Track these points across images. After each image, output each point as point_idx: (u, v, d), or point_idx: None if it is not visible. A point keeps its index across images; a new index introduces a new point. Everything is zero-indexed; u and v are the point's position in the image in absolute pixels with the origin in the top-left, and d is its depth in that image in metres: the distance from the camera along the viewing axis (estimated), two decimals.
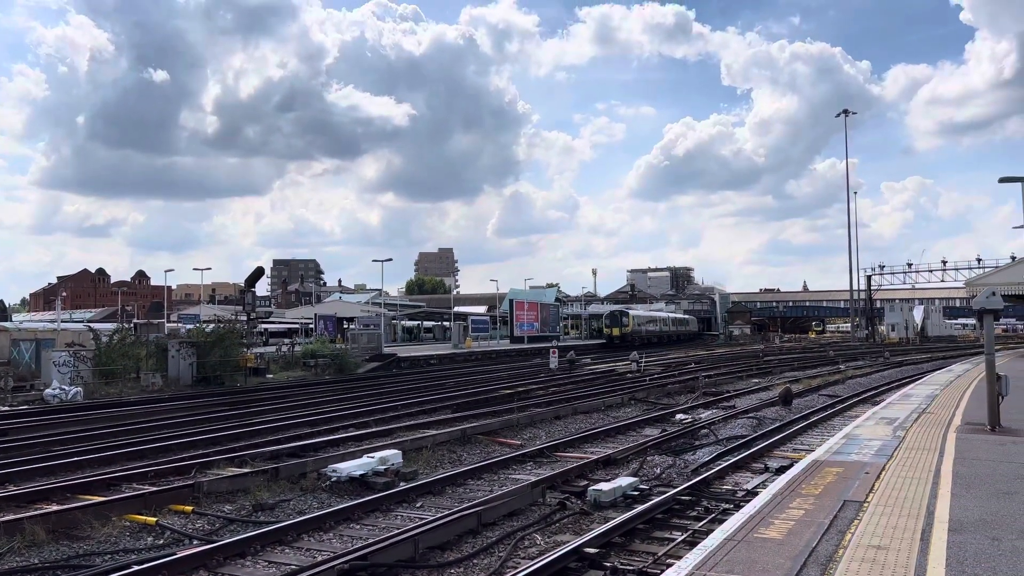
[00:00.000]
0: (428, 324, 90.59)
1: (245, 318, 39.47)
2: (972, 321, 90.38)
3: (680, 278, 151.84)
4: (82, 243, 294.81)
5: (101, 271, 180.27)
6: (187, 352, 32.12)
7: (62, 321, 66.89)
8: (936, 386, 22.99)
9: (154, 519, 10.16)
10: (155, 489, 11.59)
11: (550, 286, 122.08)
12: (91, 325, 41.65)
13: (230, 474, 12.74)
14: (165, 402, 25.37)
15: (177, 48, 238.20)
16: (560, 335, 79.53)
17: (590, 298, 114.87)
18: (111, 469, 13.65)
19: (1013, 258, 64.45)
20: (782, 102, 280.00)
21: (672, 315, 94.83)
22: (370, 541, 8.78)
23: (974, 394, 19.35)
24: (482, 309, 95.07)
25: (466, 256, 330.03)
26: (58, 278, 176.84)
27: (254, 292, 44.37)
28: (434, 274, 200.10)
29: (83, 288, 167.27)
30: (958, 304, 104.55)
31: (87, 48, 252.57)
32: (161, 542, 9.53)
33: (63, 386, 26.79)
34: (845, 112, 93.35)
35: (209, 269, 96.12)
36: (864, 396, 25.63)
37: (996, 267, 59.20)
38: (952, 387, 22.42)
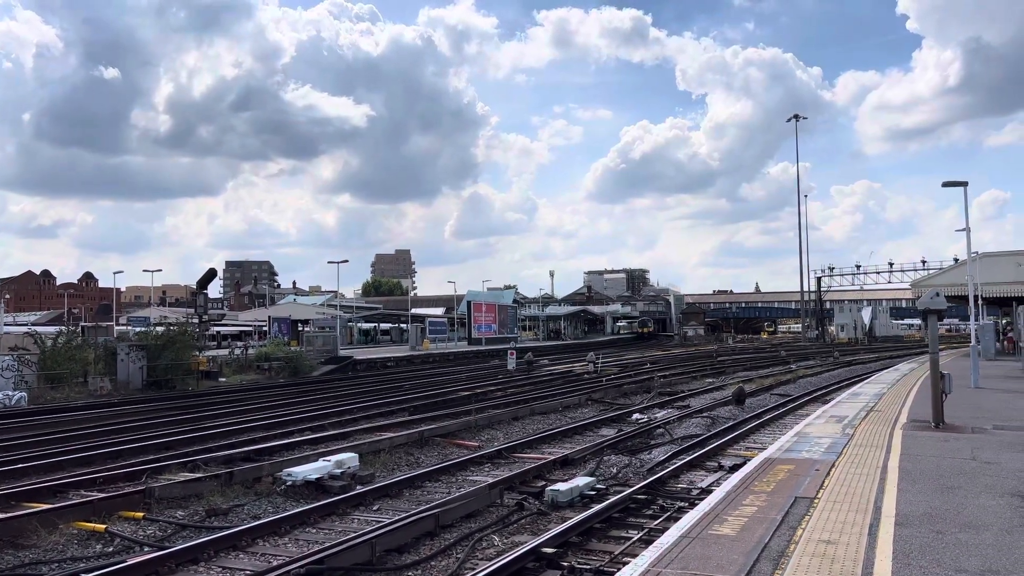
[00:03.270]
0: (385, 326, 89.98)
1: (197, 320, 38.75)
2: (918, 321, 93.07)
3: (636, 280, 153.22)
4: (27, 244, 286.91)
5: (46, 273, 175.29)
6: (137, 355, 31.42)
7: (5, 324, 64.84)
8: (883, 385, 23.59)
9: (103, 526, 9.93)
10: (104, 495, 11.32)
11: (508, 288, 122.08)
12: (35, 329, 40.18)
13: (182, 479, 12.52)
14: (114, 406, 24.78)
15: (128, 45, 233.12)
16: (518, 336, 79.69)
17: (548, 300, 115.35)
18: (58, 476, 13.29)
19: (956, 260, 66.46)
20: (736, 107, 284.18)
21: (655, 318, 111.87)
22: (326, 545, 8.71)
23: (919, 392, 19.91)
24: (440, 311, 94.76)
25: (424, 258, 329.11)
26: (1, 280, 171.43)
27: (206, 294, 43.60)
28: (391, 276, 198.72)
29: (27, 290, 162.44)
30: (904, 305, 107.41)
31: (34, 44, 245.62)
32: (111, 549, 9.33)
33: (7, 391, 25.99)
34: (796, 117, 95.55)
35: (160, 271, 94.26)
36: (815, 395, 26.19)
37: (940, 269, 60.97)
38: (899, 386, 23.03)
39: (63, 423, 20.75)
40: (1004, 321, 53.06)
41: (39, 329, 39.51)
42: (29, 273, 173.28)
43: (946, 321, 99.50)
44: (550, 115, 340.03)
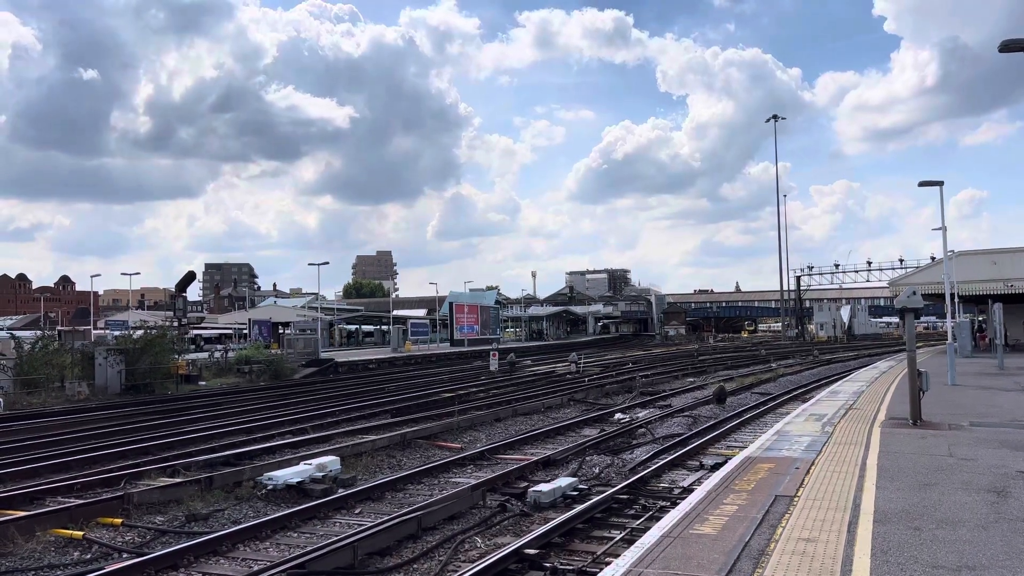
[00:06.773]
0: (367, 328, 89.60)
1: (176, 323, 38.43)
2: (896, 319, 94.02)
3: (617, 280, 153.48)
4: (2, 247, 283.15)
5: (22, 276, 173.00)
6: (115, 359, 31.08)
7: None
8: (862, 383, 23.80)
9: (81, 533, 9.82)
10: (82, 502, 11.19)
11: (490, 288, 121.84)
12: (14, 332, 39.72)
13: (161, 484, 12.39)
14: (92, 411, 24.50)
15: (107, 46, 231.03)
16: (500, 337, 79.65)
17: (530, 300, 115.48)
18: (35, 482, 13.13)
19: (933, 258, 67.11)
20: (717, 107, 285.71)
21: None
22: (308, 549, 8.66)
23: (897, 390, 20.11)
24: (422, 312, 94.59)
25: (405, 259, 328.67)
26: None
27: (185, 297, 43.29)
28: (372, 277, 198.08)
29: (2, 294, 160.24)
30: (882, 303, 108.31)
31: (9, 44, 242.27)
32: (88, 556, 9.22)
33: None
34: (775, 117, 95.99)
35: (138, 274, 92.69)
36: (794, 393, 26.37)
37: (917, 267, 61.63)
38: (877, 383, 23.24)
39: (40, 429, 20.49)
40: (980, 319, 53.71)
41: (16, 334, 39.01)
42: (4, 277, 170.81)
43: (923, 319, 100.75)
44: (532, 116, 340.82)
